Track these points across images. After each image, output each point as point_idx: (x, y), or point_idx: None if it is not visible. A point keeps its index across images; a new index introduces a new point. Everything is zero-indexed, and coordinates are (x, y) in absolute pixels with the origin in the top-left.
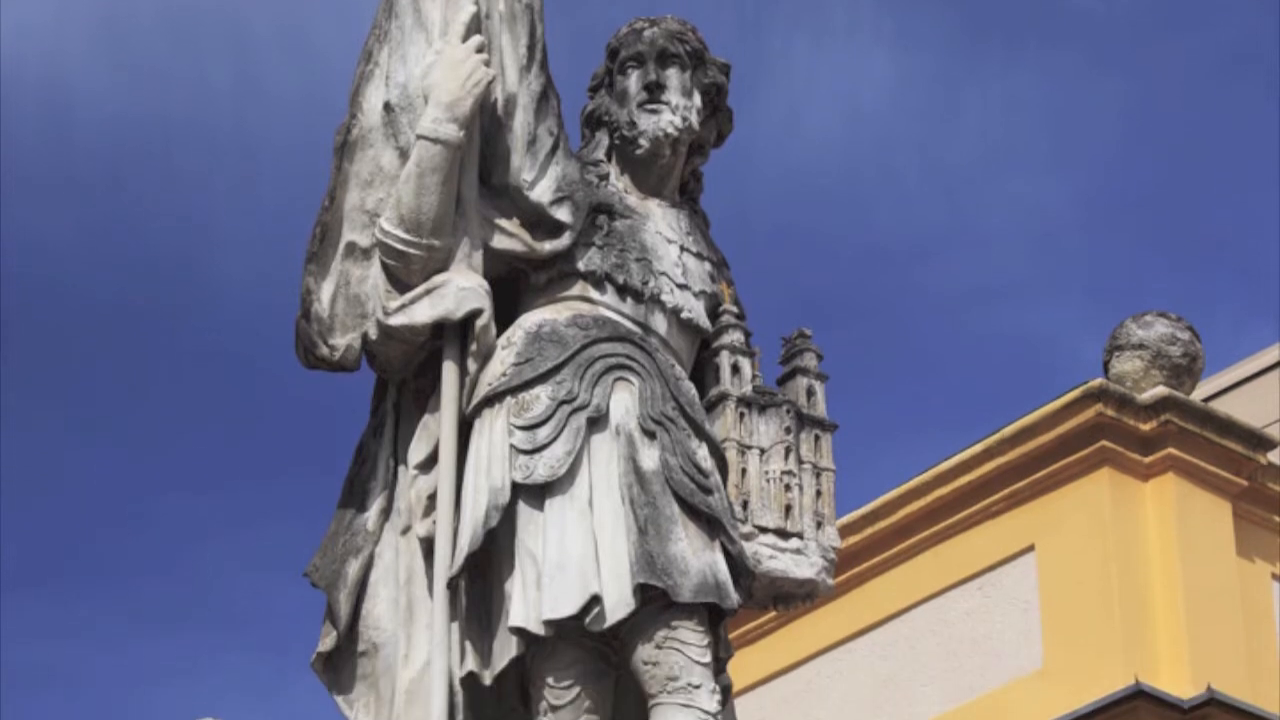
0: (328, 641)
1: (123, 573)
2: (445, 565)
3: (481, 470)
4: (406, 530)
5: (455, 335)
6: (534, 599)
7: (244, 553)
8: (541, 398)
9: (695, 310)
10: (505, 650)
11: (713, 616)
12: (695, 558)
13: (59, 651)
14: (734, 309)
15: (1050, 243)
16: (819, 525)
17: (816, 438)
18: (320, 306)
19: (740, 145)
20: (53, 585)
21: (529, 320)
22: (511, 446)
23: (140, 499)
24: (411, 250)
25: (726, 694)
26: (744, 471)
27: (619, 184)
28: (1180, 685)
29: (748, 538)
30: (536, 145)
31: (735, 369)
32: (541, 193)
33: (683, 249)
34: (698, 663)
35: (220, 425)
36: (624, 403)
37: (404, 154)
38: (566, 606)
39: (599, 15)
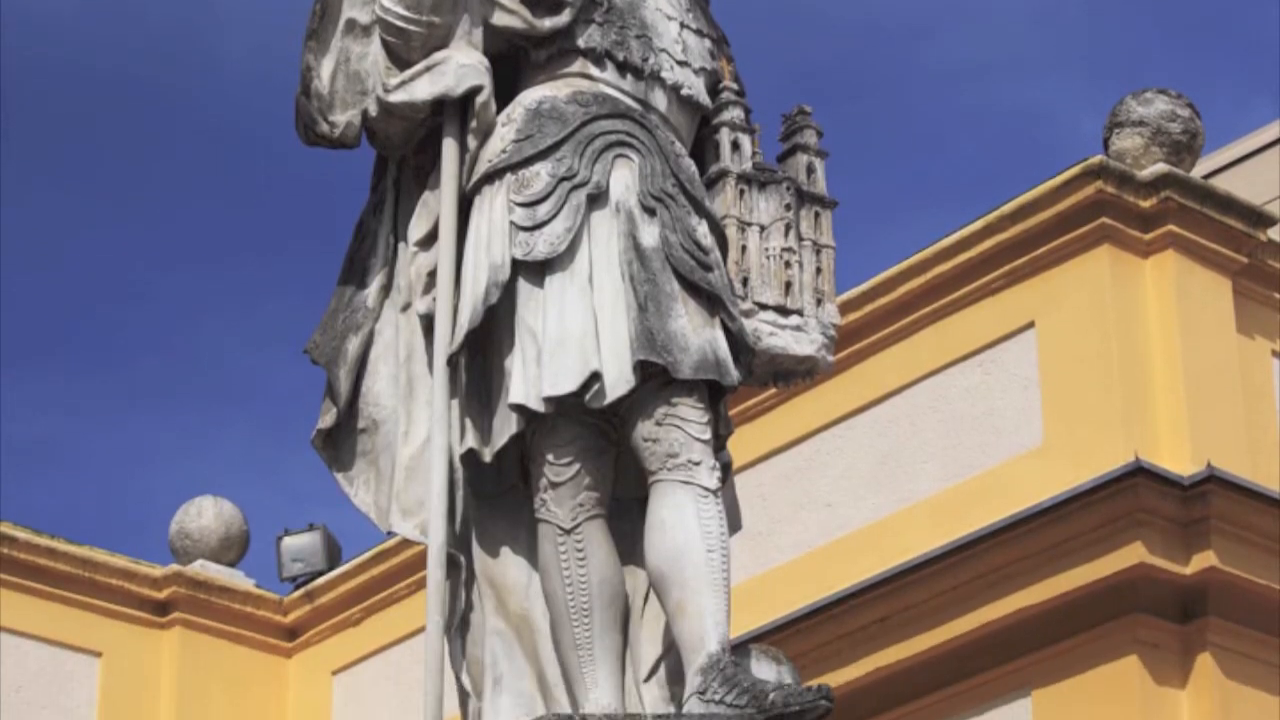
0: (328, 418)
1: (122, 348)
2: (445, 342)
3: (481, 247)
4: (406, 307)
5: (455, 112)
6: (534, 375)
7: (244, 329)
8: (541, 174)
9: (695, 87)
10: (505, 427)
11: (713, 393)
12: (695, 334)
13: (58, 427)
14: (733, 86)
15: (1050, 18)
16: (819, 302)
17: (816, 214)
18: (320, 83)
19: None
20: (52, 361)
21: (529, 97)
22: (511, 223)
23: (140, 274)
24: (411, 27)
25: (726, 470)
26: (744, 248)
27: None
28: (1180, 462)
29: (748, 314)
30: None
31: (735, 146)
32: None
33: (682, 25)
34: (697, 439)
35: (221, 201)
36: (624, 179)
37: None
38: (566, 383)
39: None
